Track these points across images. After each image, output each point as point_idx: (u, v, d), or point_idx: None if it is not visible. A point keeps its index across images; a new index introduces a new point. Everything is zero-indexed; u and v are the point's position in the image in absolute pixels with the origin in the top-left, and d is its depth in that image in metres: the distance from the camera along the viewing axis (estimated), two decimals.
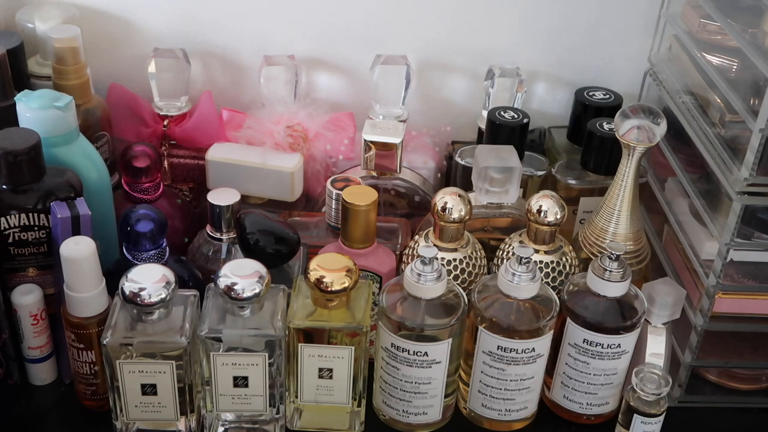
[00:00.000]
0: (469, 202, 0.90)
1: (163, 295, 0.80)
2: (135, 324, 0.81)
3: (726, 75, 0.89)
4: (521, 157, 1.01)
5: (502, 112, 1.04)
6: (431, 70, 1.14)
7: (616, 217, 0.93)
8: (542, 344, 0.87)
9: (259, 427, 0.88)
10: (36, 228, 0.87)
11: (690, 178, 0.94)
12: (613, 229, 0.93)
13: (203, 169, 1.04)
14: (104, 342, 0.80)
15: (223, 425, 0.88)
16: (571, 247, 0.94)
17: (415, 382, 0.87)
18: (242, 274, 0.80)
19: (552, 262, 0.92)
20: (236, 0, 1.09)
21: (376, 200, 0.90)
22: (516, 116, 1.03)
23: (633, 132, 0.89)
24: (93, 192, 0.91)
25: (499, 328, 0.85)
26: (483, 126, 1.08)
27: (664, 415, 0.87)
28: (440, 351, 0.85)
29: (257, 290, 0.80)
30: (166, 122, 1.07)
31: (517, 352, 0.86)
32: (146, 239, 0.87)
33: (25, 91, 0.91)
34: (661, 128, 0.89)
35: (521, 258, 0.84)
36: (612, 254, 0.85)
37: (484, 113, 1.08)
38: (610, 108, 1.06)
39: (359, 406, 0.89)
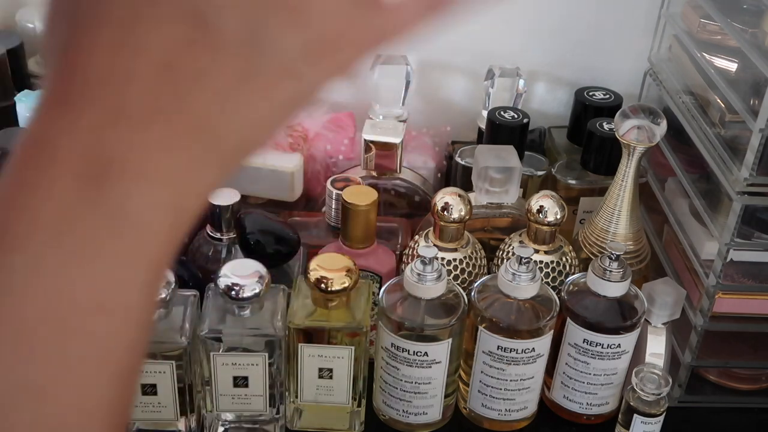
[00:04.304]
0: (469, 202, 0.90)
1: (164, 295, 0.80)
2: None
3: (726, 75, 0.89)
4: (521, 157, 1.01)
5: (502, 112, 1.04)
6: (431, 70, 1.14)
7: (616, 217, 0.93)
8: (542, 344, 0.86)
9: (259, 427, 0.88)
10: None
11: (690, 178, 0.94)
12: (613, 229, 0.93)
13: None
14: None
15: (223, 425, 0.88)
16: (571, 247, 0.94)
17: (415, 382, 0.87)
18: (242, 274, 0.80)
19: (552, 262, 0.92)
20: None
21: (376, 200, 0.90)
22: (516, 116, 1.03)
23: (633, 132, 0.89)
24: None
25: (499, 328, 0.85)
26: (483, 126, 1.07)
27: (664, 415, 0.87)
28: (440, 351, 0.85)
29: (257, 290, 0.80)
30: None
31: (517, 352, 0.86)
32: None
33: (25, 91, 0.91)
34: (661, 128, 0.89)
35: (521, 258, 0.84)
36: (612, 254, 0.85)
37: (484, 113, 1.08)
38: (610, 108, 1.06)
39: (359, 406, 0.89)
